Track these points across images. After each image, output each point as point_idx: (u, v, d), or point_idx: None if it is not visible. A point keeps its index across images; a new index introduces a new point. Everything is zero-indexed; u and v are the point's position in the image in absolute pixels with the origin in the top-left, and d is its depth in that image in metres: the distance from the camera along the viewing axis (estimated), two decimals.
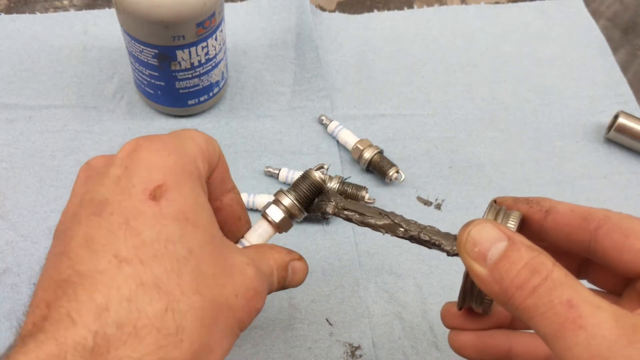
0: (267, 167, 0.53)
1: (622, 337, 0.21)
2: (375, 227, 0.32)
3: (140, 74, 0.53)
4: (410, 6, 0.68)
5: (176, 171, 0.27)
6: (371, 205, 0.34)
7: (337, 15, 0.67)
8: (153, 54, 0.49)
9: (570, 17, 0.68)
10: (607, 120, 0.59)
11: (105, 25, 0.63)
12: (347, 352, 0.45)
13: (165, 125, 0.56)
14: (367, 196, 0.51)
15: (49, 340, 0.22)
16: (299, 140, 0.56)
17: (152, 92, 0.54)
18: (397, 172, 0.53)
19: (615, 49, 0.66)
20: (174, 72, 0.51)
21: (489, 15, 0.68)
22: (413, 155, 0.56)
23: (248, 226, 0.34)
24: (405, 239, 0.32)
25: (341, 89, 0.60)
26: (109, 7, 0.65)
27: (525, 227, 0.30)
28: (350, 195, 0.50)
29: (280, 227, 0.33)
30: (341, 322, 0.47)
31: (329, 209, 0.34)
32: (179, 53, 0.49)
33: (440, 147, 0.57)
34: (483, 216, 0.29)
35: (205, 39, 0.50)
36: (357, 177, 0.54)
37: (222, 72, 0.55)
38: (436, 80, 0.62)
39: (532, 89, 0.62)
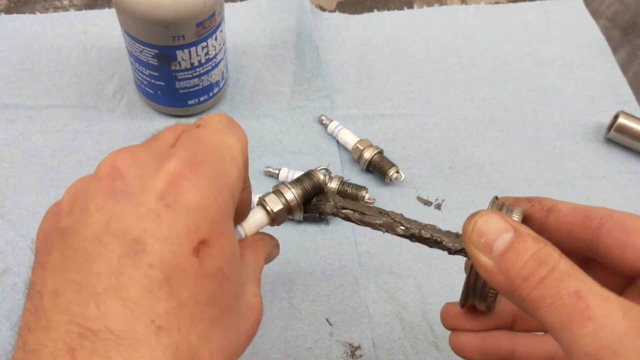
0: (267, 167, 0.53)
1: (632, 328, 0.21)
2: (374, 226, 0.32)
3: (140, 74, 0.53)
4: (410, 6, 0.68)
5: (221, 218, 0.25)
6: (371, 205, 0.34)
7: (337, 15, 0.67)
8: (153, 54, 0.49)
9: (570, 17, 0.68)
10: (607, 120, 0.59)
11: (105, 25, 0.63)
12: (347, 352, 0.45)
13: (165, 125, 0.56)
14: (367, 196, 0.51)
15: None
16: (299, 140, 0.56)
17: (152, 92, 0.54)
18: (397, 172, 0.53)
19: (615, 49, 0.66)
20: (174, 72, 0.51)
21: (489, 15, 0.68)
22: (413, 155, 0.56)
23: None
24: (406, 237, 0.32)
25: (341, 89, 0.60)
26: (109, 7, 0.65)
27: (527, 226, 0.30)
28: (350, 195, 0.50)
29: (276, 218, 0.33)
30: (341, 322, 0.47)
31: (328, 209, 0.33)
32: (179, 53, 0.49)
33: (440, 147, 0.57)
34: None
35: (205, 39, 0.50)
36: (357, 177, 0.54)
37: (222, 72, 0.55)
38: (436, 80, 0.62)
39: (532, 89, 0.62)
